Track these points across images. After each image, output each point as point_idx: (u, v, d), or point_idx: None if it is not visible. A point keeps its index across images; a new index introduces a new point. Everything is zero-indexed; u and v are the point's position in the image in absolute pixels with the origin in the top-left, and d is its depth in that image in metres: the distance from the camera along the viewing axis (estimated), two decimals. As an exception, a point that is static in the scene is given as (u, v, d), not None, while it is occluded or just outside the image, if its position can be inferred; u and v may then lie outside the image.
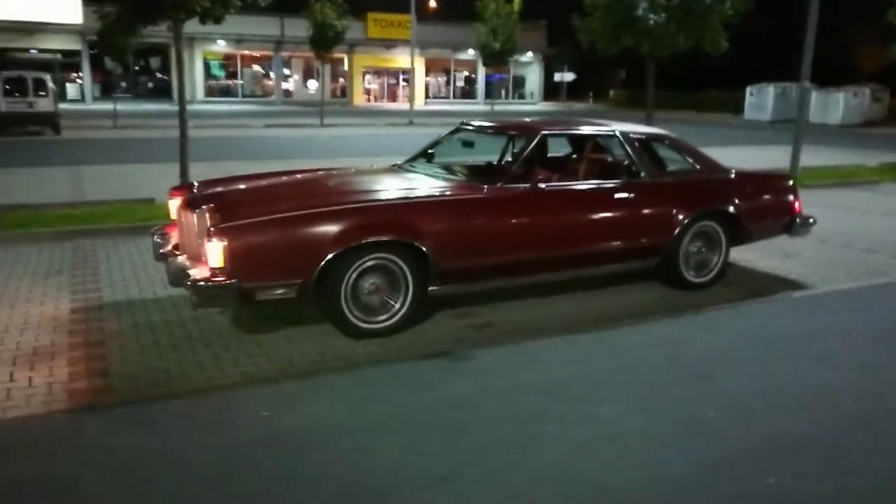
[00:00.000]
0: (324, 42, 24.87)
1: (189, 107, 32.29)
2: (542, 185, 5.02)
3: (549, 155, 6.13)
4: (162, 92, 38.76)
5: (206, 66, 39.54)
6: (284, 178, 5.44)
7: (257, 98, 40.47)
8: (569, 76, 41.73)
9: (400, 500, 2.76)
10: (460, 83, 47.29)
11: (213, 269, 4.07)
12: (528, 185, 4.96)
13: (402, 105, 41.37)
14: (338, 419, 3.42)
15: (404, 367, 4.13)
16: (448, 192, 4.88)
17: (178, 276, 4.30)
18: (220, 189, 5.06)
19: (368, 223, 4.38)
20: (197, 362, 4.17)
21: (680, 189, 5.57)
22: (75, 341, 4.44)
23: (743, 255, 6.79)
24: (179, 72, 9.04)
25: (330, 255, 4.23)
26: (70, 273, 6.00)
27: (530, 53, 44.98)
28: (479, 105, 43.34)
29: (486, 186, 4.90)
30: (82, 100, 36.18)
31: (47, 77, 19.02)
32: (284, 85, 41.59)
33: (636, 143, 5.50)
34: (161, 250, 4.90)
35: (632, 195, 5.29)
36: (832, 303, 5.55)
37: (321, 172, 5.64)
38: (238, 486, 2.83)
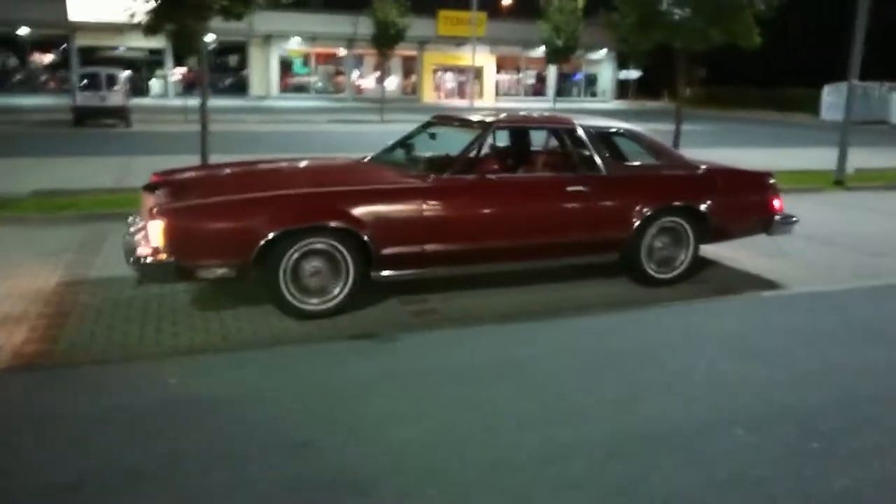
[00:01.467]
0: (386, 39, 25.37)
1: (263, 103, 33.55)
2: (490, 176, 5.12)
3: (508, 148, 6.20)
4: (239, 88, 40.24)
5: (281, 63, 40.75)
6: (250, 167, 5.74)
7: (330, 94, 41.47)
8: (634, 73, 40.85)
9: (252, 463, 2.95)
10: (531, 81, 47.04)
11: (153, 248, 4.39)
12: (474, 177, 5.07)
13: (473, 103, 41.58)
14: (232, 390, 3.66)
15: (326, 346, 4.35)
16: (391, 182, 5.05)
17: (128, 254, 4.63)
18: (184, 175, 5.39)
19: (304, 209, 4.61)
20: (140, 334, 4.49)
21: (639, 184, 5.54)
22: (45, 311, 4.84)
23: (731, 253, 6.69)
24: (204, 68, 9.47)
25: (265, 239, 4.48)
26: (75, 252, 6.47)
27: (604, 51, 44.35)
28: (548, 103, 43.03)
29: (431, 176, 5.03)
30: (165, 95, 37.95)
31: (119, 73, 20.13)
32: (357, 81, 42.45)
33: (595, 137, 5.52)
34: (130, 230, 5.26)
35: (585, 188, 5.32)
36: (800, 303, 5.43)
37: (288, 162, 5.91)
38: (104, 443, 3.09)
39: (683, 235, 5.70)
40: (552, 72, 45.01)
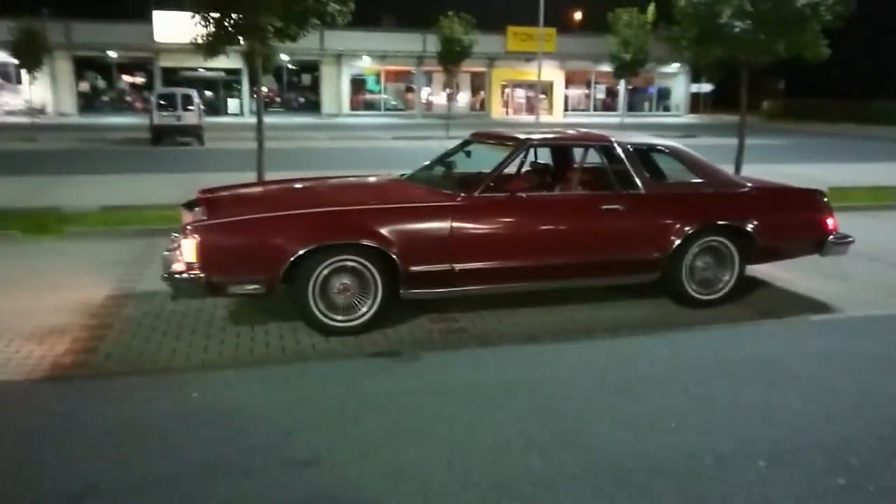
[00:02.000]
0: (452, 56, 25.58)
1: (333, 120, 34.34)
2: (521, 194, 5.08)
3: (543, 166, 6.12)
4: (312, 106, 41.28)
5: (352, 81, 41.61)
6: (289, 185, 5.85)
7: (399, 111, 42.05)
8: (705, 87, 39.85)
9: (254, 478, 3.00)
10: (601, 95, 46.51)
11: (186, 264, 4.52)
12: (504, 195, 5.04)
13: (541, 118, 41.44)
14: (249, 404, 3.73)
15: (348, 363, 4.39)
16: (420, 200, 5.06)
17: (165, 269, 4.79)
18: (226, 192, 5.55)
19: (331, 227, 4.67)
20: (174, 347, 4.64)
21: (678, 202, 5.38)
22: (88, 323, 5.05)
23: (785, 274, 6.45)
24: (258, 85, 9.76)
25: (294, 257, 4.55)
26: (127, 266, 6.74)
27: (676, 64, 43.48)
28: (618, 117, 42.45)
29: (461, 194, 5.03)
30: (241, 114, 39.27)
31: (193, 93, 20.98)
32: (426, 98, 42.93)
33: (633, 154, 5.39)
34: (170, 246, 5.44)
35: (622, 206, 5.20)
36: (848, 328, 5.15)
37: (324, 180, 6.00)
38: (119, 452, 3.20)
39: (727, 255, 5.50)
40: (622, 86, 44.49)
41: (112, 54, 37.23)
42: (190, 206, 5.18)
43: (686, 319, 5.29)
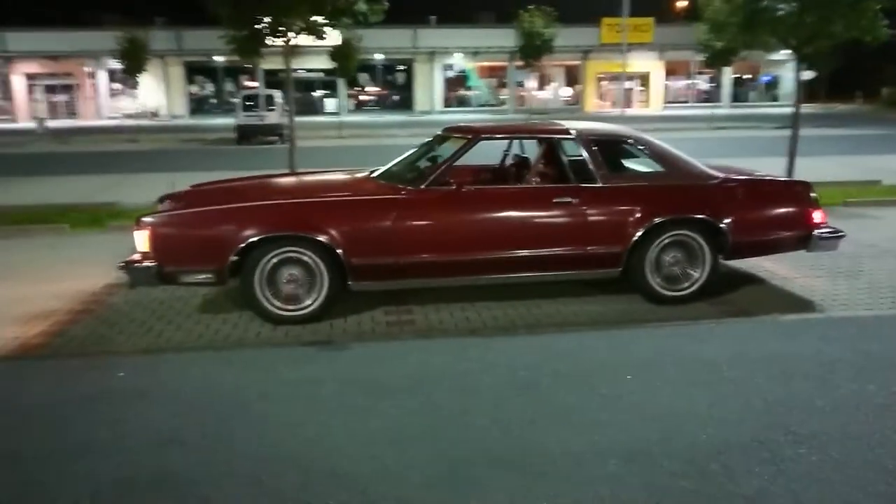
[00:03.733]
0: (532, 51, 25.40)
1: (425, 117, 34.88)
2: (468, 188, 5.08)
3: (501, 159, 6.05)
4: (405, 104, 42.02)
5: (446, 79, 42.02)
6: (262, 180, 6.08)
7: (491, 107, 42.09)
8: (807, 74, 37.35)
9: (116, 456, 3.21)
10: (704, 86, 44.68)
11: (140, 254, 4.84)
12: (449, 188, 5.05)
13: (637, 111, 40.39)
14: (158, 387, 3.96)
15: (276, 351, 4.56)
16: (365, 194, 5.15)
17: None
18: (206, 187, 5.84)
19: (273, 220, 4.84)
20: (133, 332, 4.96)
21: (638, 195, 5.19)
22: (73, 309, 5.48)
23: (787, 271, 6.15)
24: (289, 85, 10.13)
25: (238, 248, 4.77)
26: (144, 257, 7.21)
27: (786, 51, 41.05)
28: (721, 109, 40.66)
29: (405, 188, 5.08)
30: (338, 113, 40.51)
31: (276, 94, 21.89)
32: (518, 93, 42.73)
33: (592, 145, 5.25)
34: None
35: (575, 199, 5.09)
36: (818, 330, 4.79)
37: (301, 175, 6.20)
38: (25, 429, 3.50)
39: (698, 251, 5.27)
40: (726, 76, 42.57)
41: (218, 59, 39.30)
42: (161, 200, 5.51)
43: (646, 316, 5.12)
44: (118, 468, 3.10)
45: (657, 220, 5.09)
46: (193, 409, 3.69)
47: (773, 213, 5.38)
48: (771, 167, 7.75)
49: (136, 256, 4.88)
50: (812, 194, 5.42)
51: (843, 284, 5.83)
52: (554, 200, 5.09)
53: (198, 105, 41.23)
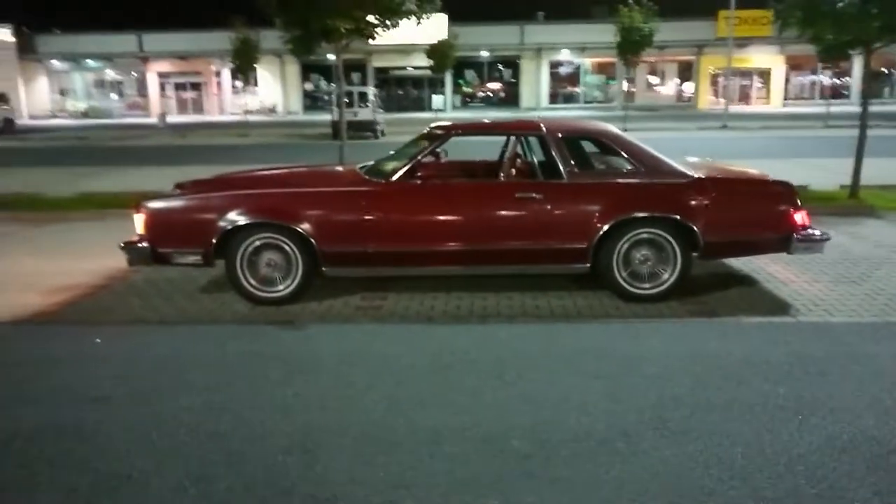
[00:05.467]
0: (630, 46, 24.80)
1: (530, 114, 34.77)
2: (434, 182, 5.30)
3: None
4: (512, 100, 42.10)
5: (551, 74, 41.75)
6: (267, 173, 6.50)
7: (599, 104, 41.41)
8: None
9: (55, 409, 3.71)
10: (831, 81, 41.85)
11: (138, 235, 5.39)
12: (416, 182, 5.28)
13: (756, 108, 38.59)
14: (122, 353, 4.47)
15: (238, 328, 4.97)
16: (339, 186, 5.46)
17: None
18: (226, 176, 6.35)
19: (251, 208, 5.25)
20: (133, 305, 5.53)
21: (603, 192, 5.20)
22: (96, 284, 6.14)
23: (793, 275, 5.98)
24: (340, 85, 10.59)
25: (219, 234, 5.22)
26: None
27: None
28: (849, 106, 38.01)
29: (374, 181, 5.36)
30: (444, 109, 41.16)
31: (369, 90, 22.72)
32: (628, 90, 41.78)
33: (561, 142, 5.31)
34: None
35: (538, 195, 5.18)
36: (769, 334, 4.64)
37: (294, 168, 6.60)
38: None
39: (669, 249, 5.23)
40: (856, 69, 39.74)
41: (331, 57, 40.90)
42: (177, 186, 6.05)
43: (609, 312, 5.14)
44: (43, 416, 3.58)
45: (620, 217, 5.10)
46: (136, 373, 4.15)
47: (749, 214, 5.24)
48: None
49: (135, 237, 5.44)
50: (794, 195, 5.23)
51: (839, 290, 5.58)
52: (517, 196, 5.21)
53: (312, 101, 43.10)
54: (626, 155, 5.34)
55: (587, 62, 41.78)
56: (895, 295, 5.44)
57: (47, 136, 28.46)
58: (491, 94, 43.07)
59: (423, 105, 40.86)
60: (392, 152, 6.19)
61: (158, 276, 6.27)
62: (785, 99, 40.65)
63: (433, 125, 5.87)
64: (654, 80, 42.88)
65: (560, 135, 5.37)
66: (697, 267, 6.04)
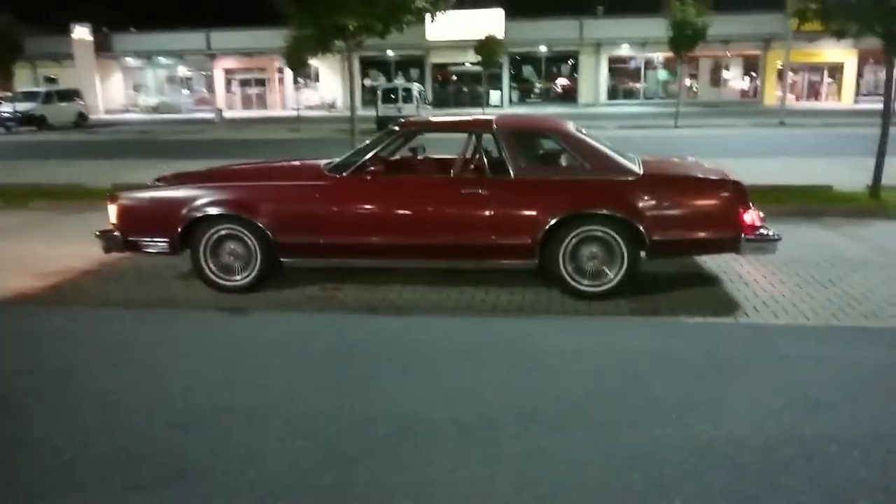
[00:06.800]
0: (682, 41, 24.24)
1: (587, 110, 34.52)
2: (383, 177, 5.45)
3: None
4: (569, 96, 41.70)
5: (611, 70, 41.15)
6: (232, 167, 6.73)
7: (661, 99, 40.56)
8: None
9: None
10: (908, 76, 39.79)
11: (111, 224, 5.74)
12: (365, 177, 5.45)
13: (826, 104, 37.12)
14: (70, 331, 4.81)
15: (191, 313, 5.25)
16: (293, 180, 5.67)
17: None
18: (188, 172, 6.66)
19: (209, 200, 5.51)
20: (108, 289, 5.88)
21: (548, 188, 5.23)
22: (87, 268, 6.54)
23: (763, 276, 5.90)
24: (353, 83, 10.81)
25: (184, 224, 5.51)
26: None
27: None
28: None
29: (332, 176, 5.54)
30: (501, 105, 41.12)
31: (413, 86, 22.99)
32: (689, 85, 40.79)
33: (511, 139, 5.37)
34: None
35: (483, 191, 5.26)
36: (702, 333, 4.62)
37: (266, 163, 6.86)
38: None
39: (615, 247, 5.23)
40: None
41: (390, 53, 41.47)
42: (157, 180, 6.39)
43: (551, 308, 5.19)
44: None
45: (563, 214, 5.13)
46: (75, 351, 4.46)
47: (694, 213, 5.19)
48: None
49: (109, 226, 5.79)
50: (743, 195, 5.15)
51: (802, 292, 5.46)
52: (462, 192, 5.30)
53: (372, 96, 43.66)
54: (574, 152, 5.36)
55: (648, 57, 40.95)
56: (857, 299, 5.29)
57: (114, 129, 29.90)
58: (549, 90, 42.77)
59: (480, 101, 40.92)
60: (357, 148, 6.38)
61: (146, 263, 6.61)
62: (857, 95, 38.88)
63: (396, 122, 6.02)
64: (724, 75, 41.69)
65: (510, 132, 5.43)
66: (666, 266, 6.04)
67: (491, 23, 36.68)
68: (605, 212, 5.14)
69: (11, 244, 7.80)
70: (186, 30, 42.33)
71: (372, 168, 5.51)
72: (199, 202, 5.51)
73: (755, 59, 39.98)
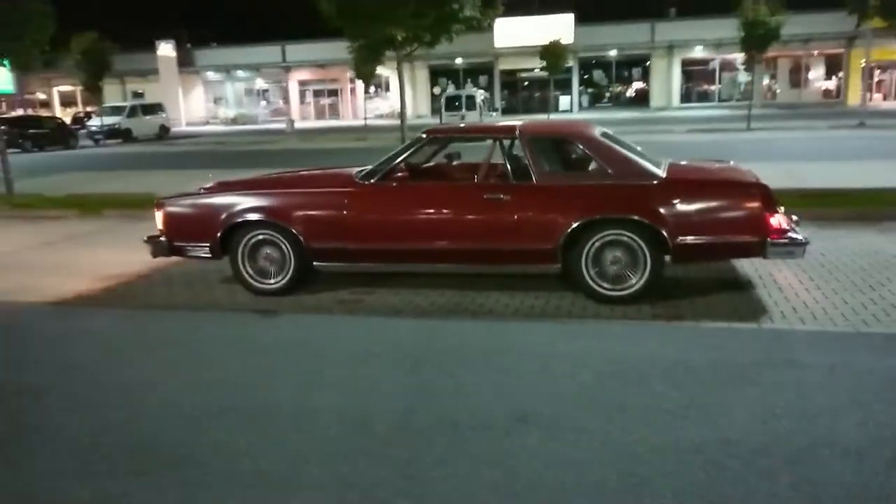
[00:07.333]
0: (755, 41, 23.54)
1: (659, 114, 33.96)
2: (409, 184, 5.59)
3: (452, 157, 6.53)
4: (641, 100, 41.01)
5: (683, 72, 40.28)
6: (273, 175, 7.01)
7: (737, 102, 39.37)
8: None
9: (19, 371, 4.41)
10: None
11: (158, 230, 6.09)
12: (392, 184, 5.60)
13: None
14: (106, 332, 5.17)
15: (224, 315, 5.55)
16: (324, 187, 5.86)
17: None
18: (231, 180, 6.96)
19: (246, 207, 5.78)
20: (156, 292, 6.24)
21: (570, 194, 5.25)
22: (141, 273, 6.94)
23: (800, 281, 5.76)
24: (403, 93, 11.01)
25: (223, 230, 5.80)
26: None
27: None
28: None
29: (355, 182, 5.71)
30: (570, 110, 40.83)
31: (477, 94, 23.14)
32: (767, 87, 39.51)
33: (534, 144, 5.41)
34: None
35: (505, 197, 5.32)
36: (718, 339, 4.55)
37: (294, 172, 7.12)
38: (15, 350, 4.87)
39: (638, 252, 5.21)
40: None
41: (459, 61, 41.80)
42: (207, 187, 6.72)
43: (572, 313, 5.20)
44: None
45: (584, 219, 5.14)
46: (110, 349, 4.79)
47: (720, 217, 5.10)
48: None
49: (156, 232, 6.14)
50: (769, 198, 5.04)
51: (836, 298, 5.28)
52: (485, 197, 5.38)
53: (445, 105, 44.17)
54: (597, 157, 5.36)
55: (724, 58, 39.86)
56: (895, 305, 5.09)
57: (193, 141, 31.25)
58: (619, 94, 42.20)
59: (549, 107, 40.75)
60: (387, 156, 6.55)
61: (194, 268, 6.96)
62: (950, 93, 36.76)
63: (424, 130, 6.16)
64: (804, 75, 40.21)
65: (532, 137, 5.48)
66: (700, 271, 5.98)
67: (560, 28, 36.51)
68: (626, 216, 5.13)
69: (79, 249, 8.34)
70: (263, 43, 43.82)
71: (398, 175, 5.66)
72: (237, 209, 5.79)
73: (838, 58, 38.35)
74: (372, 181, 5.67)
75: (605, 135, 5.69)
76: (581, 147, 5.49)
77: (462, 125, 7.04)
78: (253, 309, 5.60)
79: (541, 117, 31.35)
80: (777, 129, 24.08)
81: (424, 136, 5.84)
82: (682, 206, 5.10)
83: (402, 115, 11.26)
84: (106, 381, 4.22)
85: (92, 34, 28.89)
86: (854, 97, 37.98)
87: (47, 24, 12.22)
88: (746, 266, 6.19)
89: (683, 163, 6.04)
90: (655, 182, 5.19)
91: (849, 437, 3.17)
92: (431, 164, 6.50)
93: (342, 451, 3.25)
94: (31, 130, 27.95)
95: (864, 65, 37.71)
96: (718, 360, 4.17)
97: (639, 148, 6.00)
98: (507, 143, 5.80)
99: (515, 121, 5.97)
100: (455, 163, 6.65)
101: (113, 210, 11.12)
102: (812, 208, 8.43)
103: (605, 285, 5.30)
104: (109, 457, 3.27)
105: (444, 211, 5.48)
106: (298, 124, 34.58)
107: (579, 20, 38.20)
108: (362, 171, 6.08)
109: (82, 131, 32.73)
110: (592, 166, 5.48)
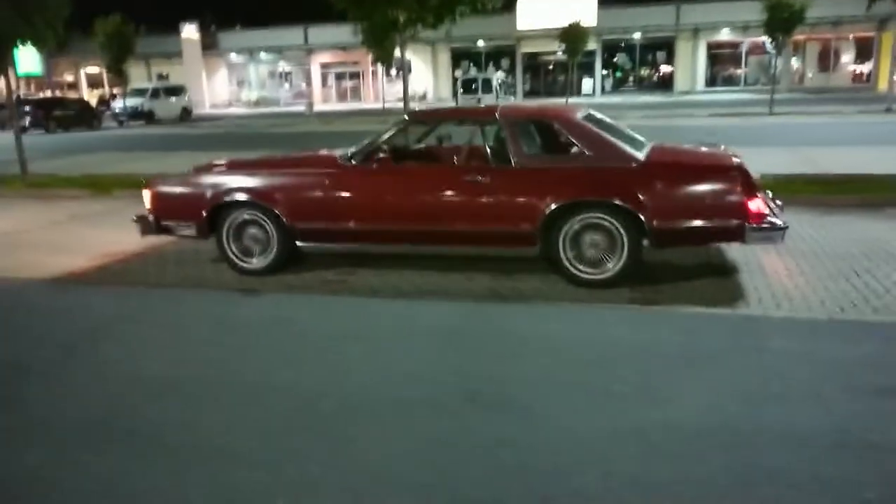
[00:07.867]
0: (778, 24, 23.05)
1: (683, 98, 33.49)
2: (388, 166, 5.61)
3: (437, 139, 6.51)
4: (666, 84, 40.46)
5: (709, 56, 39.64)
6: (262, 157, 7.05)
7: (762, 86, 38.68)
8: None
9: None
10: None
11: (146, 209, 6.19)
12: (373, 166, 5.62)
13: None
14: (85, 307, 5.29)
15: (206, 293, 5.63)
16: (308, 168, 5.90)
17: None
18: (222, 161, 7.02)
19: (231, 188, 5.84)
20: (149, 271, 6.34)
21: (548, 176, 5.23)
22: (136, 252, 7.05)
23: (786, 266, 5.70)
24: (405, 74, 10.98)
25: (209, 209, 5.88)
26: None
27: None
28: None
29: (337, 164, 5.75)
30: (592, 94, 40.43)
31: (493, 76, 23.03)
32: (795, 71, 38.74)
33: (514, 127, 5.39)
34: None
35: (484, 179, 5.32)
36: (688, 323, 4.53)
37: (286, 154, 7.16)
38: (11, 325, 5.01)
39: (617, 235, 5.19)
40: None
41: (481, 44, 41.55)
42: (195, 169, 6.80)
43: (545, 296, 5.19)
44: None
45: (562, 202, 5.13)
46: (91, 325, 4.89)
47: (697, 201, 5.05)
48: None
49: (144, 211, 6.24)
50: (748, 182, 4.98)
51: (819, 285, 5.20)
52: (464, 179, 5.38)
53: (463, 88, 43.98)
54: (576, 140, 5.33)
55: (750, 41, 39.14)
56: (877, 293, 5.01)
57: (214, 123, 31.53)
58: (643, 78, 41.67)
59: (572, 90, 40.40)
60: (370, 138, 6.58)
61: (188, 247, 7.06)
62: None
63: (406, 112, 6.16)
64: (833, 59, 39.37)
65: (511, 120, 5.46)
66: (687, 256, 5.95)
67: (583, 10, 36.07)
68: (603, 199, 5.10)
69: (84, 228, 8.50)
70: (286, 26, 43.93)
71: (380, 157, 5.68)
72: (222, 189, 5.85)
73: (868, 42, 37.44)
74: (353, 163, 5.69)
75: (588, 118, 5.64)
76: (560, 130, 5.46)
77: (444, 108, 6.97)
78: (237, 288, 5.68)
79: (559, 101, 31.10)
80: (801, 113, 23.68)
81: (406, 118, 5.84)
82: (660, 190, 5.06)
83: (404, 98, 11.24)
84: (81, 355, 4.32)
85: (116, 17, 29.13)
86: (884, 82, 37.13)
87: (63, 5, 12.36)
88: (735, 252, 6.12)
89: (668, 146, 5.97)
90: (634, 165, 5.15)
91: (794, 424, 3.15)
92: (416, 147, 6.51)
93: (289, 426, 3.30)
94: (55, 111, 28.40)
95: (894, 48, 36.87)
96: (685, 344, 4.16)
97: (628, 130, 5.95)
98: (487, 126, 5.78)
99: (495, 104, 5.95)
100: (438, 146, 6.65)
101: (124, 191, 11.27)
102: (816, 195, 8.32)
103: (584, 269, 5.29)
104: (66, 428, 3.36)
105: (425, 193, 5.49)
106: (321, 107, 34.73)
107: (603, 2, 37.72)
108: (346, 152, 6.11)
109: (107, 112, 33.18)
110: (573, 149, 5.45)
